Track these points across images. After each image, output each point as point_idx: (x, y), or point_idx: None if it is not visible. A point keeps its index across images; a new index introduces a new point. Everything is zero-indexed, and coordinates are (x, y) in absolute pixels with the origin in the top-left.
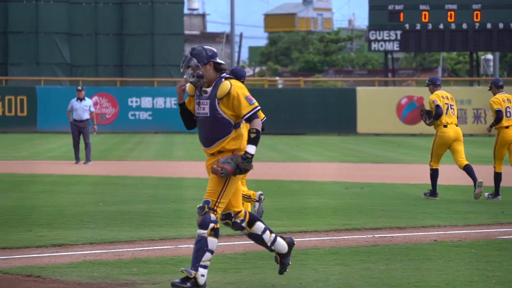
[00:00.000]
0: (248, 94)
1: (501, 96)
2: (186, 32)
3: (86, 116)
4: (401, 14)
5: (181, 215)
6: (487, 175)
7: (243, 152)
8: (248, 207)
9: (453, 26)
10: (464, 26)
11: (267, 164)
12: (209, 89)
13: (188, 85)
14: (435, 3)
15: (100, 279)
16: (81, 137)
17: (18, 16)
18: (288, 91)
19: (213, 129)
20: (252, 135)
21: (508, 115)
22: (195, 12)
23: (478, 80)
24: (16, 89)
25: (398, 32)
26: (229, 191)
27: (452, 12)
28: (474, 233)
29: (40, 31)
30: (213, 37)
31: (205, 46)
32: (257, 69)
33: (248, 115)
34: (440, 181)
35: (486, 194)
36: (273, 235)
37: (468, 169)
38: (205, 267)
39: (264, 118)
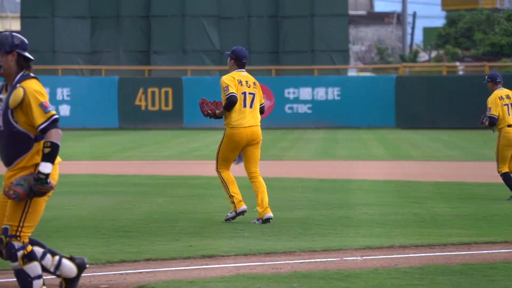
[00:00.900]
0: (44, 100)
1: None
2: (351, 12)
3: None
4: None
5: (346, 223)
6: None
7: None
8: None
9: None
10: None
11: (445, 164)
12: (3, 96)
13: None
14: None
15: None
16: None
17: None
18: (471, 79)
19: (9, 146)
20: (47, 150)
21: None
22: None
23: None
24: (160, 80)
25: None
26: (33, 212)
27: None
28: None
29: (187, 14)
30: (382, 18)
31: (15, 34)
32: (433, 53)
33: (43, 125)
34: None
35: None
36: (57, 257)
37: None
38: None
39: (263, 104)
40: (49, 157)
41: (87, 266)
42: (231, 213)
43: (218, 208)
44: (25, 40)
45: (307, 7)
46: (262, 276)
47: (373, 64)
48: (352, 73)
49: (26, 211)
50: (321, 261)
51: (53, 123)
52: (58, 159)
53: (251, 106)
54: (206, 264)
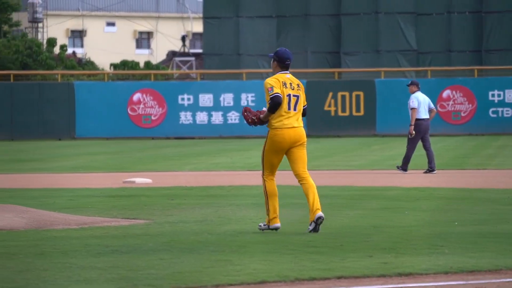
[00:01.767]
0: None
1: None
2: None
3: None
4: None
5: None
6: None
7: None
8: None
9: None
10: None
11: None
12: None
13: None
14: None
15: None
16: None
17: None
18: None
19: None
20: None
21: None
22: None
23: None
24: (351, 83)
25: None
26: None
27: None
28: None
29: (380, 11)
30: None
31: None
32: None
33: None
34: None
35: None
36: None
37: None
38: None
39: (305, 105)
40: None
41: None
42: (264, 225)
43: (415, 222)
44: None
45: None
46: None
47: None
48: None
49: None
50: None
51: None
52: None
53: (295, 109)
54: (403, 283)
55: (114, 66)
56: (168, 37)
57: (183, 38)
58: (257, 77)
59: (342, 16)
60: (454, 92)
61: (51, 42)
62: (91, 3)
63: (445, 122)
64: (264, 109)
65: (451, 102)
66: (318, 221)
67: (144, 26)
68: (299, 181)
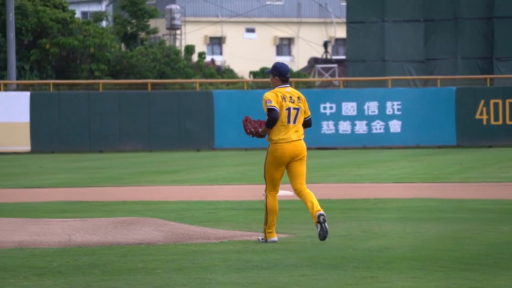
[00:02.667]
0: None
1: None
2: None
3: None
4: None
5: None
6: None
7: None
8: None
9: None
10: None
11: None
12: None
13: None
14: None
15: None
16: None
17: None
18: None
19: None
20: None
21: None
22: None
23: None
24: (505, 90)
25: None
26: None
27: None
28: None
29: None
30: None
31: None
32: None
33: None
34: None
35: None
36: None
37: None
38: None
39: (309, 116)
40: None
41: None
42: (262, 239)
43: None
44: None
45: None
46: None
47: None
48: None
49: None
50: None
51: None
52: None
53: (294, 122)
54: None
55: (254, 74)
56: (310, 43)
57: (326, 44)
58: (403, 84)
59: (495, 20)
60: None
61: (189, 49)
62: (230, 9)
63: None
64: (263, 120)
65: None
66: (320, 219)
67: (285, 32)
68: (297, 194)
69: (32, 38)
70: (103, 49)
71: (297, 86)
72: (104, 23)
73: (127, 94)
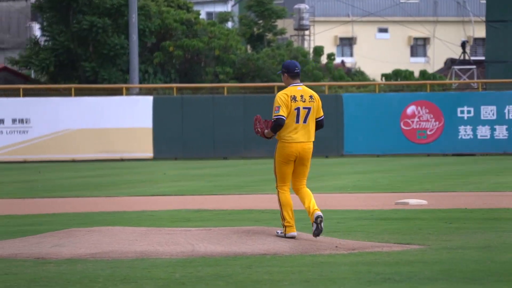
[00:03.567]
0: None
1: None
2: None
3: None
4: None
5: None
6: None
7: None
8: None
9: None
10: None
11: None
12: None
13: None
14: None
15: None
16: None
17: None
18: None
19: None
20: None
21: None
22: None
23: None
24: None
25: None
26: None
27: None
28: None
29: None
30: None
31: None
32: None
33: None
34: None
35: None
36: None
37: None
38: None
39: (321, 116)
40: None
41: None
42: (281, 232)
43: None
44: None
45: None
46: None
47: None
48: None
49: None
50: None
51: None
52: None
53: (304, 121)
54: None
55: (386, 76)
56: (447, 43)
57: (463, 44)
58: None
59: None
60: None
61: (318, 51)
62: (361, 8)
63: None
64: (270, 120)
65: None
66: (317, 220)
67: (419, 31)
68: (295, 192)
69: (155, 41)
70: (228, 51)
71: (432, 88)
72: (229, 24)
73: (252, 98)
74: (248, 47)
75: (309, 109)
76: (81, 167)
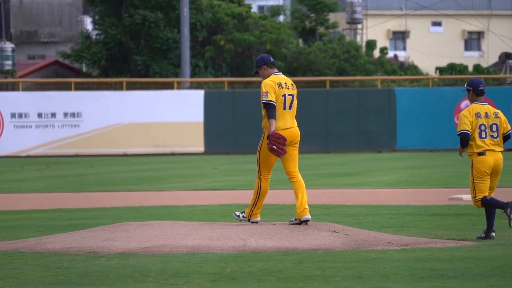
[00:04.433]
0: None
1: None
2: None
3: None
4: None
5: None
6: None
7: None
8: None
9: None
10: None
11: None
12: None
13: None
14: None
15: None
16: None
17: None
18: None
19: None
20: None
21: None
22: None
23: None
24: None
25: None
26: None
27: None
28: None
29: None
30: None
31: None
32: None
33: None
34: None
35: None
36: None
37: None
38: None
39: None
40: None
41: None
42: (244, 216)
43: None
44: None
45: None
46: None
47: None
48: None
49: None
50: None
51: None
52: None
53: (290, 108)
54: None
55: (440, 70)
56: (501, 37)
57: None
58: None
59: None
60: None
61: (371, 44)
62: (415, 1)
63: None
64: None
65: None
66: (303, 223)
67: (474, 25)
68: (289, 178)
69: (206, 35)
70: (279, 45)
71: (487, 83)
72: (281, 18)
73: (304, 92)
74: (300, 41)
75: (292, 96)
76: (133, 161)
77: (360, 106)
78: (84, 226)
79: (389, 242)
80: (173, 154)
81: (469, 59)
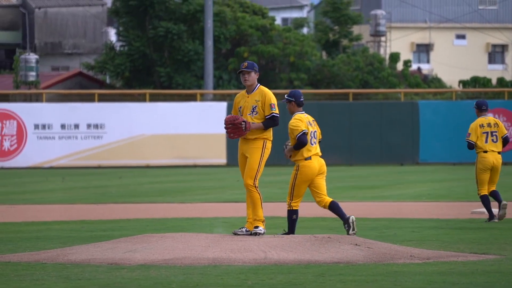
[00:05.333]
0: None
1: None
2: None
3: None
4: None
5: None
6: None
7: None
8: None
9: None
10: None
11: None
12: None
13: None
14: None
15: None
16: None
17: None
18: None
19: None
20: None
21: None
22: None
23: None
24: None
25: None
26: None
27: None
28: None
29: None
30: None
31: None
32: None
33: None
34: None
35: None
36: None
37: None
38: None
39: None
40: None
41: None
42: (260, 229)
43: None
44: None
45: None
46: None
47: None
48: None
49: None
50: None
51: None
52: None
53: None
54: None
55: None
56: None
57: None
58: None
59: None
60: None
61: (394, 57)
62: (439, 14)
63: None
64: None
65: None
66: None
67: (498, 38)
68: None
69: (230, 47)
70: (303, 57)
71: (510, 96)
72: (305, 30)
73: (327, 104)
74: (323, 53)
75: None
76: (155, 173)
77: (383, 119)
78: (106, 237)
79: (411, 256)
80: (195, 166)
81: (493, 72)
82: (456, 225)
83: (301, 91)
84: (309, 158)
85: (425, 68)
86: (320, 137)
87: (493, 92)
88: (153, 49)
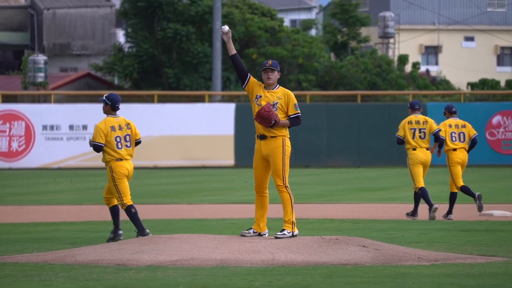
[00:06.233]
0: None
1: (449, 121)
2: None
3: None
4: None
5: None
6: None
7: None
8: None
9: None
10: None
11: None
12: None
13: None
14: None
15: None
16: None
17: None
18: None
19: None
20: None
21: (454, 139)
22: None
23: None
24: None
25: None
26: None
27: None
28: None
29: None
30: None
31: None
32: None
33: None
34: None
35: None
36: None
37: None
38: None
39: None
40: None
41: None
42: (288, 232)
43: None
44: None
45: None
46: None
47: None
48: None
49: None
50: None
51: None
52: None
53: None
54: None
55: (472, 85)
56: None
57: None
58: None
59: None
60: None
61: (403, 59)
62: (448, 16)
63: None
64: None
65: None
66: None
67: (507, 40)
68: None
69: (238, 48)
70: (311, 59)
71: None
72: (313, 32)
73: (335, 106)
74: (332, 55)
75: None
76: (163, 174)
77: (391, 121)
78: None
79: (418, 258)
80: (203, 167)
81: (502, 74)
82: (464, 227)
83: (310, 92)
84: (120, 159)
85: (433, 70)
86: (138, 137)
87: (502, 95)
88: (161, 51)
